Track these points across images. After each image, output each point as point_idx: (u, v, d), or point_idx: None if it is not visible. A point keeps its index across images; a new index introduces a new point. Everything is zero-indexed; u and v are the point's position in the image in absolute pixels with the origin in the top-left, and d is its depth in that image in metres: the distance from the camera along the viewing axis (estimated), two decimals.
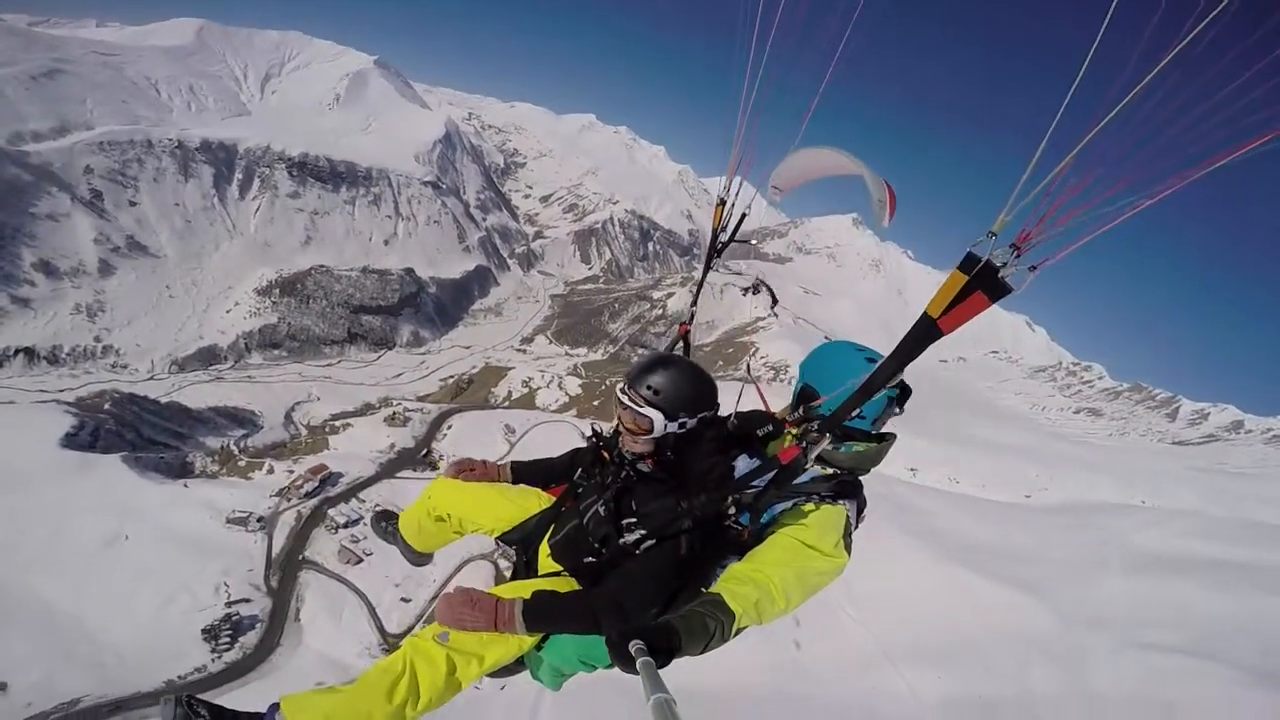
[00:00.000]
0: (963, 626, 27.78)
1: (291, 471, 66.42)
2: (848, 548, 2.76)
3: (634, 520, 2.83)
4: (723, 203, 3.73)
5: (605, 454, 3.11)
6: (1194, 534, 37.14)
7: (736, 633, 2.42)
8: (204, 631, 42.78)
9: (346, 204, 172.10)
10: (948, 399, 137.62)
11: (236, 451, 79.56)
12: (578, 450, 3.49)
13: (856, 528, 2.90)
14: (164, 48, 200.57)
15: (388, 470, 69.32)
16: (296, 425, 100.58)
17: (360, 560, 54.02)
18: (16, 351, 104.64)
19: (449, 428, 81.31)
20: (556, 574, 3.06)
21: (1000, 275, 1.86)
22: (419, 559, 3.73)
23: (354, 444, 76.52)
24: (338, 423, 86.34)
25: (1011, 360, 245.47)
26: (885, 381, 2.28)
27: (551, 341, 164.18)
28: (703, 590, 2.61)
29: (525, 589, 2.82)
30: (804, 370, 3.12)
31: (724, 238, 3.82)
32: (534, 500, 3.37)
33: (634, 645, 2.07)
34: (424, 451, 75.70)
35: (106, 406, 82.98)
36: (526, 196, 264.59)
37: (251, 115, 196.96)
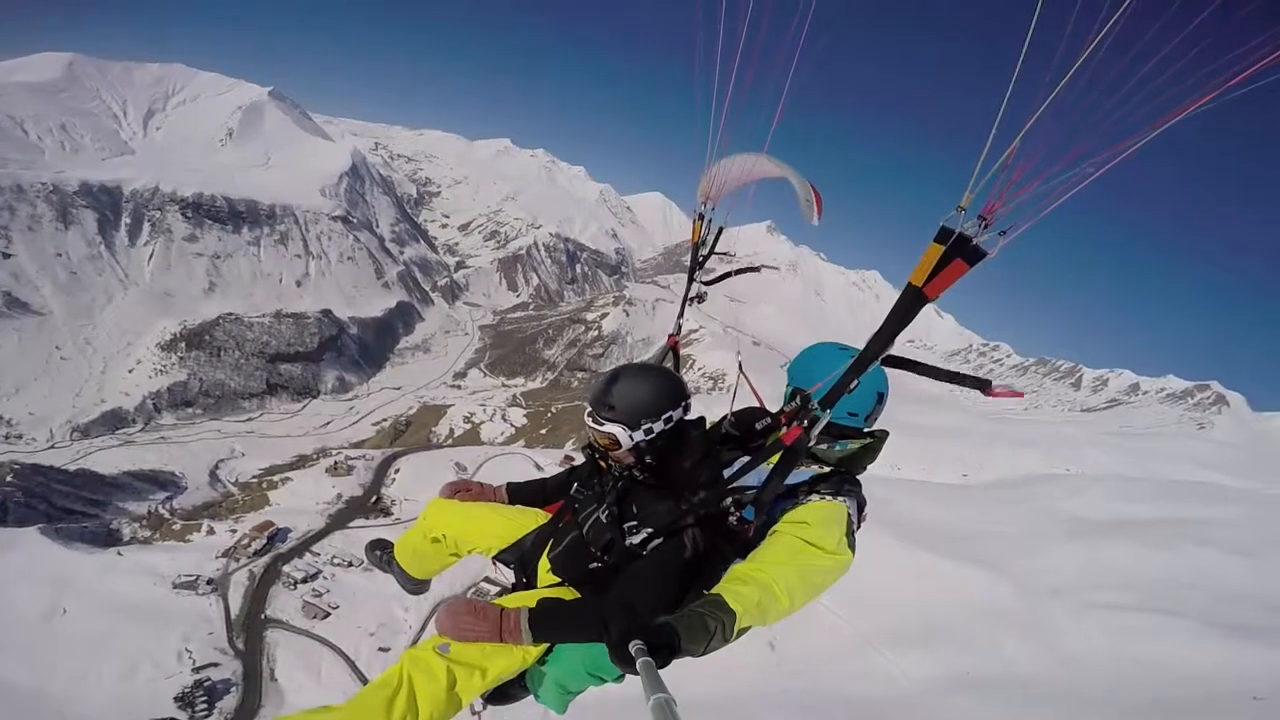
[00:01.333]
0: (935, 608, 29.68)
1: (234, 531, 65.88)
2: (851, 545, 2.82)
3: (636, 523, 2.94)
4: (702, 217, 4.00)
5: (603, 464, 3.17)
6: (1118, 496, 41.59)
7: (739, 633, 2.49)
8: (176, 700, 42.82)
9: (250, 245, 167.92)
10: None
11: (168, 515, 77.68)
12: (574, 467, 3.57)
13: (859, 526, 2.97)
14: (29, 84, 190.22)
15: (339, 521, 69.40)
16: (224, 483, 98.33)
17: (328, 614, 54.47)
18: None
19: (396, 471, 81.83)
20: (557, 585, 3.10)
21: (974, 243, 2.16)
22: (416, 586, 3.79)
23: (296, 498, 76.00)
24: (276, 478, 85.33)
25: (926, 347, 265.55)
26: (879, 351, 2.51)
27: (486, 374, 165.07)
28: (705, 592, 2.62)
29: (529, 598, 2.89)
30: (792, 374, 3.23)
31: (704, 251, 4.14)
32: (530, 518, 3.43)
33: (634, 645, 2.15)
34: (374, 498, 76.19)
35: (9, 479, 79.83)
36: (444, 226, 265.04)
37: (136, 154, 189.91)
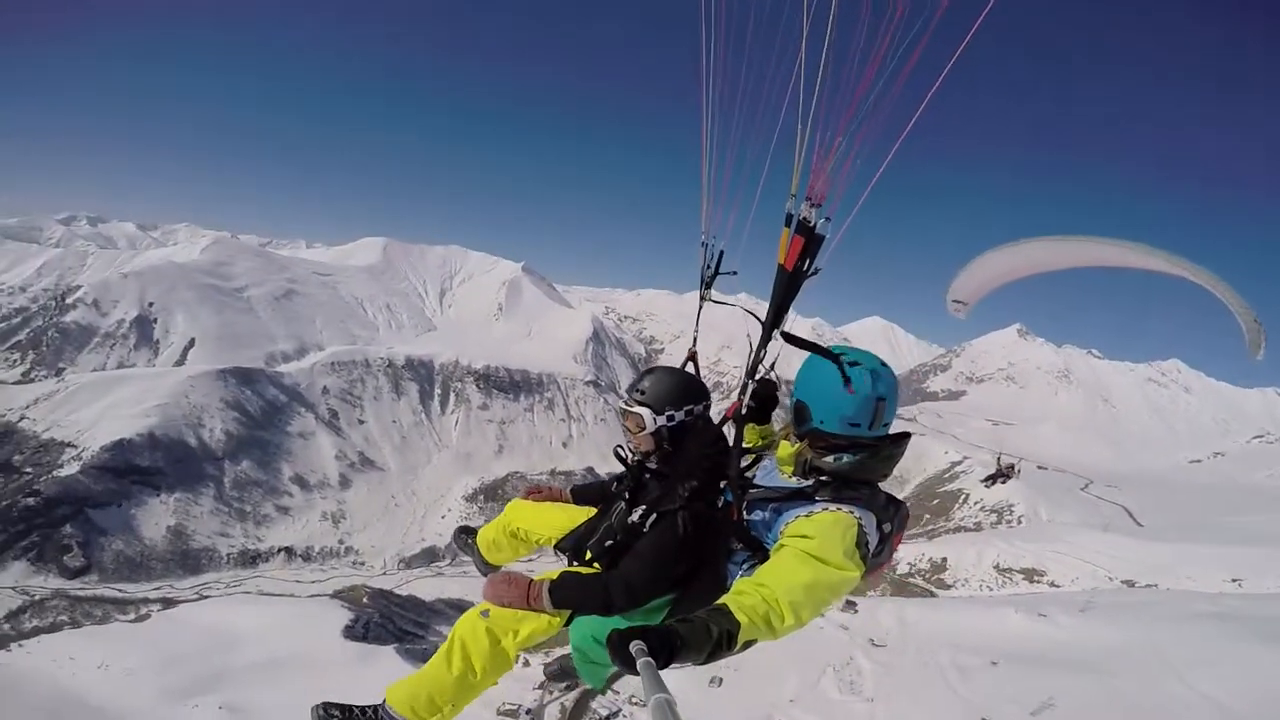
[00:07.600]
0: None
1: (546, 663, 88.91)
2: (862, 559, 2.84)
3: (643, 505, 3.46)
4: (705, 245, 4.44)
5: (626, 460, 3.82)
6: None
7: (745, 645, 2.63)
8: None
9: (526, 411, 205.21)
10: (1229, 500, 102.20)
11: None
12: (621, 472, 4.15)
13: (880, 538, 3.00)
14: (362, 267, 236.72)
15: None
16: None
17: None
18: (279, 550, 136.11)
19: None
20: (588, 564, 3.65)
21: (801, 219, 2.67)
22: (487, 570, 4.56)
23: None
24: None
25: (1237, 420, 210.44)
26: (772, 325, 3.01)
27: None
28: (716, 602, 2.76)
29: (557, 573, 3.45)
30: (794, 388, 3.57)
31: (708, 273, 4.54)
32: (585, 513, 4.14)
33: (634, 645, 2.28)
34: None
35: (364, 600, 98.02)
36: None
37: (438, 330, 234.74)
